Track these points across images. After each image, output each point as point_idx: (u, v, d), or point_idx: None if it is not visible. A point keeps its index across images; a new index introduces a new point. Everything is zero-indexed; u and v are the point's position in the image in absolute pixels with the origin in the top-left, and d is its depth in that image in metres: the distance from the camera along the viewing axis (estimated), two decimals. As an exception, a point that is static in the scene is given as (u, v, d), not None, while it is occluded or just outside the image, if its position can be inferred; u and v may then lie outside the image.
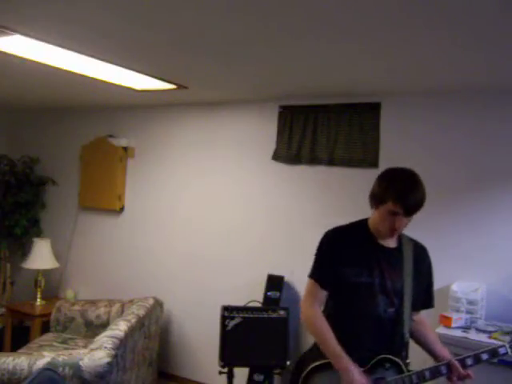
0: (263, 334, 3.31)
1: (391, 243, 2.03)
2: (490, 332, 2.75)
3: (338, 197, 3.59)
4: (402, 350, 2.01)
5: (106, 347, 2.70)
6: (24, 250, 4.91)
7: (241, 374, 3.49)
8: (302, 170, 3.77)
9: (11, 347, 4.29)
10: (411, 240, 2.09)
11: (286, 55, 2.63)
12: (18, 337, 4.35)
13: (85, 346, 3.34)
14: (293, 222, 3.79)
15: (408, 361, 1.98)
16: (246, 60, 2.78)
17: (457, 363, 1.89)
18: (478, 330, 2.80)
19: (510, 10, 1.83)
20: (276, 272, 3.73)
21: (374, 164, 3.42)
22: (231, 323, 3.30)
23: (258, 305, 3.61)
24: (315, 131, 3.66)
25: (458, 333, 2.75)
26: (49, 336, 4.05)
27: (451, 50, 2.35)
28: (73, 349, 3.31)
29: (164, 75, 3.25)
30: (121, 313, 3.96)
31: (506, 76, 2.79)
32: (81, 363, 2.56)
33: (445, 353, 2.00)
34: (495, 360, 2.42)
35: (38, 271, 4.56)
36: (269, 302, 3.62)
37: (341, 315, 2.01)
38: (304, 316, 2.05)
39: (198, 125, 4.29)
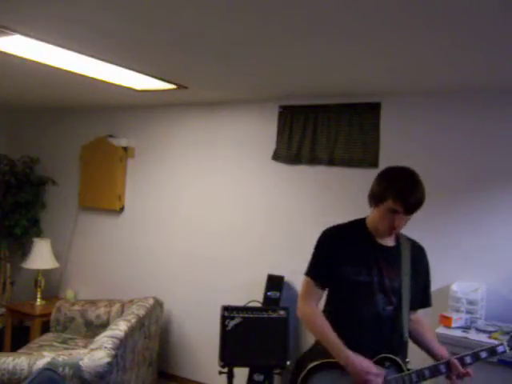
0: (263, 334, 3.31)
1: (389, 242, 2.04)
2: (489, 332, 2.75)
3: (337, 197, 3.59)
4: (401, 348, 2.02)
5: (106, 347, 2.70)
6: (24, 250, 4.91)
7: (241, 374, 3.49)
8: (302, 170, 3.77)
9: (11, 347, 4.29)
10: (409, 239, 2.10)
11: (286, 55, 2.63)
12: (18, 337, 4.35)
13: (85, 346, 3.34)
14: (293, 221, 3.79)
15: (407, 360, 1.98)
16: (246, 60, 2.78)
17: (456, 362, 1.89)
18: (478, 330, 2.80)
19: (510, 10, 1.83)
20: (276, 272, 3.74)
21: (374, 164, 3.42)
22: (231, 323, 3.30)
23: (258, 305, 3.61)
24: (315, 131, 3.66)
25: (458, 333, 2.75)
26: (49, 336, 4.05)
27: (451, 49, 2.35)
28: (73, 349, 3.31)
29: (164, 75, 3.25)
30: (121, 313, 3.96)
31: (506, 76, 2.79)
32: (81, 363, 2.56)
33: (443, 352, 2.01)
34: (494, 359, 2.44)
35: (38, 271, 4.56)
36: (269, 302, 3.63)
37: (340, 314, 2.01)
38: (301, 313, 2.06)
39: (197, 125, 4.29)
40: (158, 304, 3.92)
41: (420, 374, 1.90)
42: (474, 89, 3.10)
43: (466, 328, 2.83)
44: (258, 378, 3.51)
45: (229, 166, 4.12)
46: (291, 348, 3.45)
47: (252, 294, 3.73)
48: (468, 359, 1.90)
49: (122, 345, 2.88)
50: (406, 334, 2.00)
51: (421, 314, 2.18)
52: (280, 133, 3.84)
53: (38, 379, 1.87)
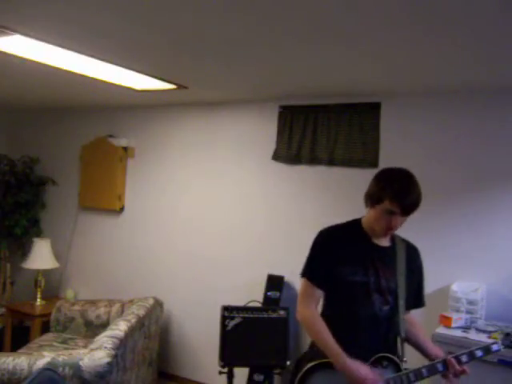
0: (263, 334, 3.31)
1: (385, 242, 2.05)
2: (489, 332, 2.75)
3: (337, 197, 3.59)
4: (397, 348, 2.02)
5: (106, 347, 2.70)
6: (24, 250, 4.91)
7: (241, 374, 3.49)
8: (302, 170, 3.77)
9: (11, 347, 4.29)
10: (403, 240, 2.11)
11: (286, 55, 2.63)
12: (18, 337, 4.35)
13: (85, 346, 3.34)
14: (293, 221, 3.79)
15: (405, 359, 1.98)
16: (246, 60, 2.78)
17: (453, 360, 1.90)
18: (478, 330, 2.80)
19: (510, 10, 1.83)
20: (276, 272, 3.74)
21: (373, 164, 3.42)
22: (231, 323, 3.30)
23: (258, 305, 3.61)
24: (315, 131, 3.66)
25: (458, 333, 2.75)
26: (49, 336, 4.05)
27: (451, 49, 2.35)
28: (73, 349, 3.31)
29: (164, 75, 3.25)
30: (121, 313, 3.96)
31: (506, 76, 2.79)
32: (81, 363, 2.56)
33: (437, 351, 2.02)
34: (494, 359, 2.45)
35: (38, 271, 4.56)
36: (269, 302, 3.63)
37: (337, 314, 2.02)
38: (300, 316, 2.06)
39: (198, 125, 4.29)
40: (158, 304, 3.92)
41: (417, 373, 1.91)
42: (474, 89, 3.10)
43: (465, 328, 2.83)
44: (258, 378, 3.51)
45: (229, 166, 4.12)
46: (291, 348, 3.45)
47: (252, 293, 3.73)
48: (464, 358, 1.92)
49: (122, 345, 2.88)
50: (403, 334, 2.01)
51: (420, 313, 2.18)
52: (280, 133, 3.84)
53: (38, 379, 1.87)
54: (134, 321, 3.25)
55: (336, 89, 3.38)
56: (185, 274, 4.27)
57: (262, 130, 3.94)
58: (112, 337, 2.84)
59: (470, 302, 2.90)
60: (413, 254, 2.11)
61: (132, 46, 2.63)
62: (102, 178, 4.65)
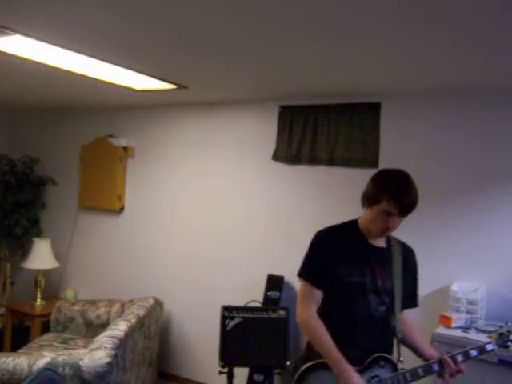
0: (263, 334, 3.31)
1: (381, 243, 2.06)
2: (489, 332, 2.74)
3: (337, 197, 3.59)
4: (393, 348, 2.03)
5: (106, 347, 2.70)
6: (24, 250, 4.91)
7: (241, 374, 3.49)
8: (302, 170, 3.77)
9: (11, 347, 4.29)
10: (399, 242, 2.12)
11: (286, 55, 2.63)
12: (18, 337, 4.35)
13: (85, 346, 3.34)
14: (293, 221, 3.79)
15: (401, 359, 1.99)
16: (246, 60, 2.78)
17: (449, 360, 1.91)
18: (478, 330, 2.80)
19: (510, 10, 1.83)
20: (276, 272, 3.74)
21: (374, 164, 3.42)
22: (231, 323, 3.30)
23: (258, 305, 3.61)
24: (315, 131, 3.66)
25: (458, 333, 2.75)
26: (49, 336, 4.05)
27: (451, 49, 2.35)
28: (73, 349, 3.31)
29: (164, 75, 3.25)
30: (121, 313, 3.96)
31: (506, 76, 2.79)
32: (81, 363, 2.57)
33: (431, 352, 2.03)
34: (495, 359, 2.45)
35: (38, 271, 4.56)
36: (269, 302, 3.63)
37: (334, 315, 2.02)
38: (300, 319, 2.06)
39: (198, 125, 4.29)
40: (158, 304, 3.92)
41: (414, 372, 1.91)
42: (474, 89, 3.10)
43: (465, 328, 2.83)
44: (258, 378, 3.50)
45: (229, 166, 4.12)
46: (291, 348, 3.45)
47: (252, 293, 3.73)
48: (459, 357, 1.93)
49: (122, 345, 2.88)
50: (399, 334, 2.02)
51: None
52: (280, 133, 3.84)
53: (38, 379, 1.87)
54: (133, 321, 3.25)
55: (336, 89, 3.38)
56: (185, 274, 4.27)
57: (262, 130, 3.94)
58: (112, 337, 2.84)
59: (470, 302, 2.90)
60: (408, 255, 2.12)
61: (132, 46, 2.63)
62: (102, 178, 4.65)
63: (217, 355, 3.30)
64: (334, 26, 2.11)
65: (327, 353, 1.92)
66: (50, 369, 2.10)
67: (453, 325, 2.82)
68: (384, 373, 1.93)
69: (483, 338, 2.66)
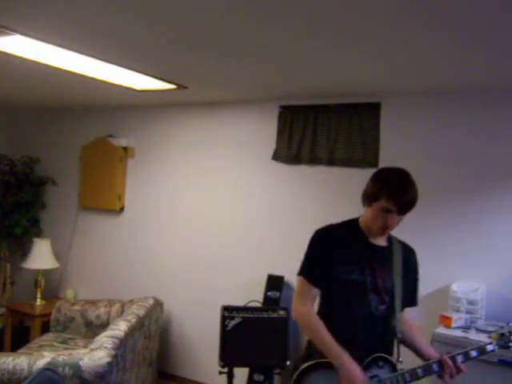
0: (263, 334, 3.31)
1: (382, 242, 2.05)
2: (489, 332, 2.74)
3: (337, 197, 3.59)
4: (393, 348, 2.02)
5: (106, 347, 2.70)
6: (24, 250, 4.91)
7: (241, 374, 3.49)
8: (302, 170, 3.77)
9: (11, 347, 4.29)
10: (400, 241, 2.12)
11: (286, 55, 2.63)
12: (18, 337, 4.35)
13: (85, 346, 3.34)
14: (293, 221, 3.79)
15: (400, 359, 1.99)
16: (246, 60, 2.78)
17: (448, 360, 1.90)
18: (478, 330, 2.80)
19: (510, 10, 1.83)
20: (276, 272, 3.74)
21: (374, 164, 3.42)
22: (231, 323, 3.30)
23: (258, 305, 3.61)
24: (315, 131, 3.66)
25: (458, 333, 2.75)
26: (49, 336, 4.05)
27: (451, 49, 2.35)
28: (73, 349, 3.31)
29: (164, 75, 3.25)
30: (121, 313, 3.96)
31: (506, 76, 2.79)
32: (81, 363, 2.56)
33: (431, 352, 2.02)
34: (495, 359, 2.44)
35: (38, 271, 4.56)
36: (269, 302, 3.63)
37: (334, 314, 2.02)
38: (296, 314, 2.06)
39: (198, 125, 4.29)
40: (158, 304, 3.92)
41: (413, 373, 1.90)
42: (474, 89, 3.10)
43: (465, 328, 2.83)
44: (258, 378, 3.50)
45: (229, 166, 4.12)
46: (291, 348, 3.45)
47: (252, 293, 3.73)
48: (459, 358, 1.92)
49: (122, 345, 2.88)
50: (399, 334, 2.01)
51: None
52: (280, 133, 3.84)
53: (38, 379, 1.87)
54: (134, 321, 3.25)
55: (336, 89, 3.38)
56: (185, 274, 4.27)
57: (262, 130, 3.94)
58: (112, 337, 2.84)
59: (470, 302, 2.90)
60: (409, 254, 2.11)
61: (132, 46, 2.63)
62: (102, 178, 4.65)
63: (217, 355, 3.30)
64: (334, 25, 2.11)
65: (327, 347, 1.92)
66: (49, 369, 2.10)
67: (453, 325, 2.82)
68: (383, 373, 1.92)
69: (483, 338, 2.66)
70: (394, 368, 1.94)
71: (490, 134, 3.12)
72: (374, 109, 3.47)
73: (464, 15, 1.90)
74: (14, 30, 2.39)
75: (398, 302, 1.99)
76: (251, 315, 3.34)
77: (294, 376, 1.97)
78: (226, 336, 3.29)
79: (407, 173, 1.95)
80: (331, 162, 3.61)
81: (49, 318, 4.24)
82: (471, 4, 1.78)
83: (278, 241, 3.84)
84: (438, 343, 2.67)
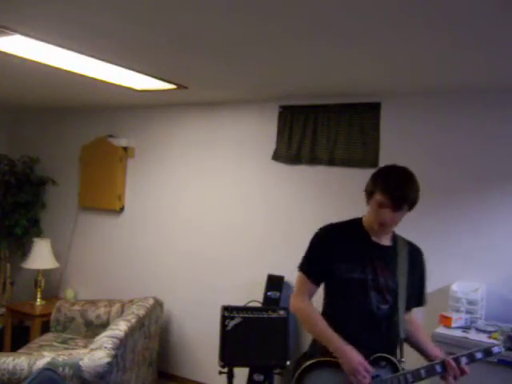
0: (263, 334, 3.31)
1: (386, 241, 2.05)
2: (489, 332, 2.75)
3: (337, 197, 3.59)
4: (396, 348, 2.02)
5: (106, 347, 2.70)
6: (24, 250, 4.91)
7: (241, 374, 3.49)
8: (302, 170, 3.77)
9: (11, 347, 4.29)
10: (407, 242, 2.11)
11: (286, 55, 2.63)
12: (18, 337, 4.35)
13: (85, 346, 3.34)
14: (293, 221, 3.79)
15: (403, 359, 1.98)
16: (246, 60, 2.78)
17: (452, 362, 1.88)
18: (478, 330, 2.80)
19: (510, 10, 1.83)
20: (276, 272, 3.74)
21: (373, 164, 3.41)
22: (231, 323, 3.30)
23: (258, 305, 3.61)
24: (315, 131, 3.66)
25: (458, 333, 2.75)
26: (49, 336, 4.05)
27: (451, 49, 2.35)
28: (73, 349, 3.31)
29: (164, 75, 3.25)
30: (121, 313, 3.96)
31: (506, 76, 2.79)
32: (81, 363, 2.57)
33: (437, 352, 2.00)
34: (494, 359, 2.44)
35: (38, 271, 4.56)
36: (269, 302, 3.63)
37: (336, 313, 2.02)
38: (293, 308, 2.08)
39: (197, 125, 4.29)
40: (158, 304, 3.92)
41: (416, 374, 1.89)
42: (474, 89, 3.10)
43: (465, 328, 2.83)
44: (258, 378, 3.50)
45: (229, 166, 4.12)
46: (291, 348, 3.45)
47: (252, 293, 3.73)
48: (464, 360, 1.89)
49: (121, 345, 2.88)
50: (402, 334, 2.00)
51: (421, 313, 2.18)
52: (280, 133, 3.84)
53: (38, 379, 1.87)
54: (134, 321, 3.25)
55: (336, 89, 3.38)
56: (185, 274, 4.27)
57: (262, 130, 3.94)
58: (112, 337, 2.84)
59: (470, 302, 2.90)
60: (416, 255, 2.10)
61: (132, 46, 2.63)
62: (101, 178, 4.65)
63: (217, 355, 3.30)
64: (334, 26, 2.11)
65: (325, 337, 1.93)
66: (50, 369, 2.10)
67: (453, 325, 2.82)
68: (385, 373, 1.91)
69: (483, 338, 2.67)
70: (396, 368, 1.93)
71: (490, 134, 3.12)
72: (373, 109, 3.47)
73: (464, 15, 1.90)
74: (14, 30, 2.39)
75: (401, 302, 1.98)
76: (251, 315, 3.34)
77: (296, 374, 1.97)
78: (226, 336, 3.29)
79: (408, 170, 1.95)
80: (331, 162, 3.61)
81: (49, 318, 4.24)
82: (471, 4, 1.78)
83: (278, 241, 3.84)
84: (437, 343, 2.65)
